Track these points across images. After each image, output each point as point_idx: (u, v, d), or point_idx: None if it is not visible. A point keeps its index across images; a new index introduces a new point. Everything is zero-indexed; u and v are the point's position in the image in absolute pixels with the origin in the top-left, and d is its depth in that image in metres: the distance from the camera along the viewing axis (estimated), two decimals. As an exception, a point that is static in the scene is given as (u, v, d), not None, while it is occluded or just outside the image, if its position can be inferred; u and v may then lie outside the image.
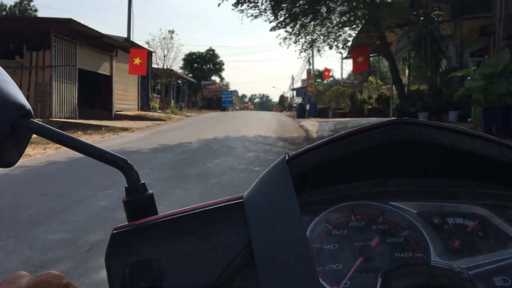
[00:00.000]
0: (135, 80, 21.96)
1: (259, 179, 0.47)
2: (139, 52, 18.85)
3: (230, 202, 0.46)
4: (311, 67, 44.31)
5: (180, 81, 39.85)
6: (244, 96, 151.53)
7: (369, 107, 20.93)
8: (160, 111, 24.24)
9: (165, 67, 30.13)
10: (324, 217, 0.51)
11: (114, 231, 0.44)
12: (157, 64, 30.31)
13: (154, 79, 29.80)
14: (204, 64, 55.25)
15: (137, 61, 18.56)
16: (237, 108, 59.71)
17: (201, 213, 0.45)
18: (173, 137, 11.58)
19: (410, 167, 0.53)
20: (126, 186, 0.46)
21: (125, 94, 20.75)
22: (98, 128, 13.79)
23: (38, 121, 0.46)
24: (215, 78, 56.34)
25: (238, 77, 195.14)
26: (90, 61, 17.54)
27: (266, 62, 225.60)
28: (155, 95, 27.25)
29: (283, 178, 0.44)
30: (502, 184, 0.52)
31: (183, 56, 55.32)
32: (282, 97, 70.44)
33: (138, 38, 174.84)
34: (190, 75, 54.85)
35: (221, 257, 0.42)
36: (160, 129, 14.96)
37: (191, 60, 54.76)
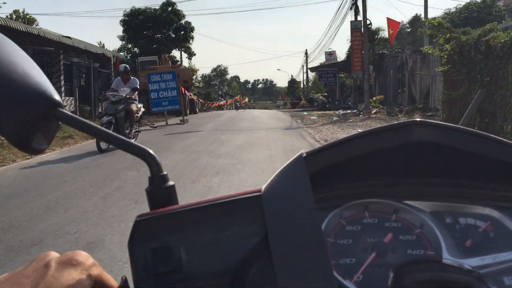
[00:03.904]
0: None
1: (277, 175, 0.49)
2: None
3: (248, 195, 0.48)
4: (359, 17, 21.84)
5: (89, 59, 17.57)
6: (247, 82, 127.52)
7: None
8: None
9: None
10: (339, 213, 0.53)
11: (137, 219, 0.47)
12: None
13: None
14: (160, 31, 32.55)
15: None
16: (222, 102, 37.16)
17: (220, 204, 0.47)
18: None
19: (424, 167, 0.54)
20: (149, 176, 0.49)
21: None
22: None
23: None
24: (180, 54, 33.56)
25: (237, 57, 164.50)
26: None
27: (268, 29, 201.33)
28: None
29: (300, 174, 0.47)
30: None
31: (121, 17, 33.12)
32: (293, 82, 46.97)
33: None
34: (136, 49, 32.75)
35: (239, 247, 0.45)
36: None
37: (138, 23, 32.14)
